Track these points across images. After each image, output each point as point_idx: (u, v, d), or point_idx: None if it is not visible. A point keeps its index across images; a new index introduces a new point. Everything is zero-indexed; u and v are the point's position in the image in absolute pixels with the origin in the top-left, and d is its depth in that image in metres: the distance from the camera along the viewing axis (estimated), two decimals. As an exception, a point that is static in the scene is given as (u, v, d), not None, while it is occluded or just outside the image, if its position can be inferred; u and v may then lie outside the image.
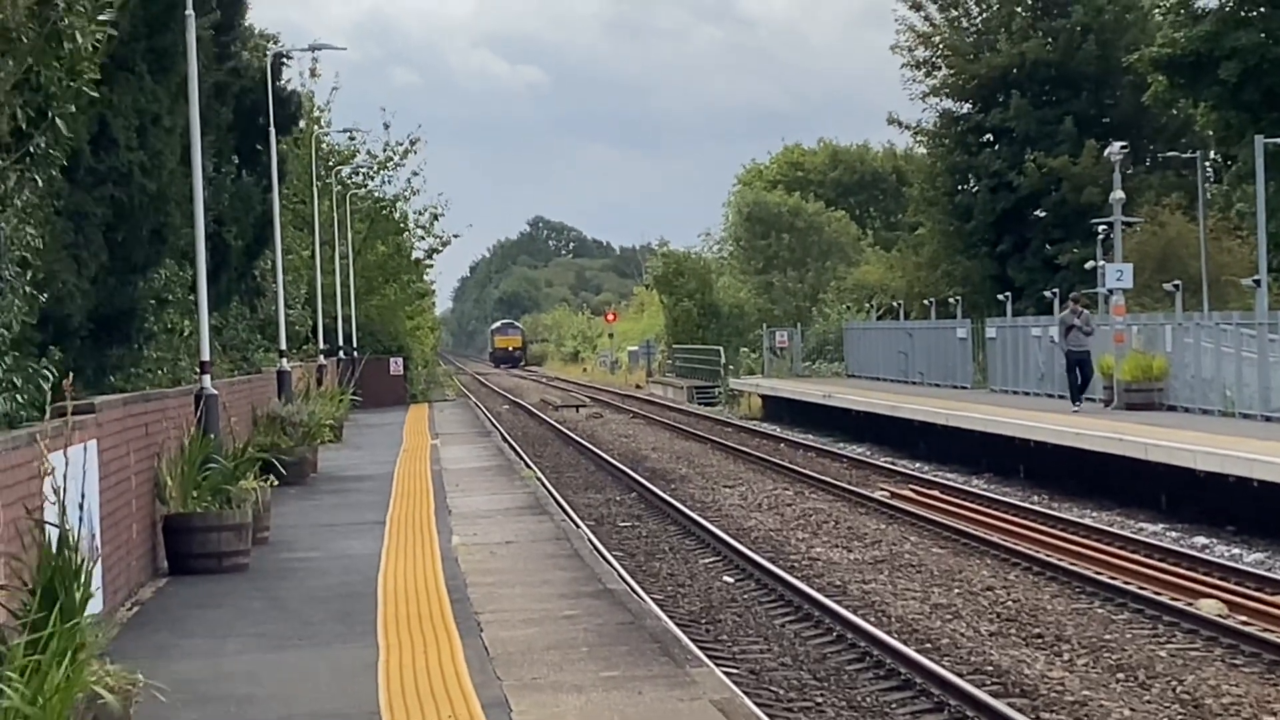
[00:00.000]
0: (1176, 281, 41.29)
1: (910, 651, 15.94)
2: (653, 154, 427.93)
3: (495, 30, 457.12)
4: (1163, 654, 16.35)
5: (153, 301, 24.39)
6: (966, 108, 68.54)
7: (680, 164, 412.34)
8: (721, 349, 75.54)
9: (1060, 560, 22.00)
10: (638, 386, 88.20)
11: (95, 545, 12.54)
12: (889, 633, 17.16)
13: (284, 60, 39.37)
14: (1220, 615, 17.88)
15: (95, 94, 13.76)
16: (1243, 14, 48.02)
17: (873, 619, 18.22)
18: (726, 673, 14.13)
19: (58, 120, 12.89)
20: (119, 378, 22.36)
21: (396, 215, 66.35)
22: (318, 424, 28.56)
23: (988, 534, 24.90)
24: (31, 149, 12.89)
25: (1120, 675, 15.46)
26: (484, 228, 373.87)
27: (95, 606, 11.01)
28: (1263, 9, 47.88)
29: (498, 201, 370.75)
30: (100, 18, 12.79)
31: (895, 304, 65.15)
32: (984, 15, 68.73)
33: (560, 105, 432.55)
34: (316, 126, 57.22)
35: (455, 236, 73.08)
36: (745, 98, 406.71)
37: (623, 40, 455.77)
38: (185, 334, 26.22)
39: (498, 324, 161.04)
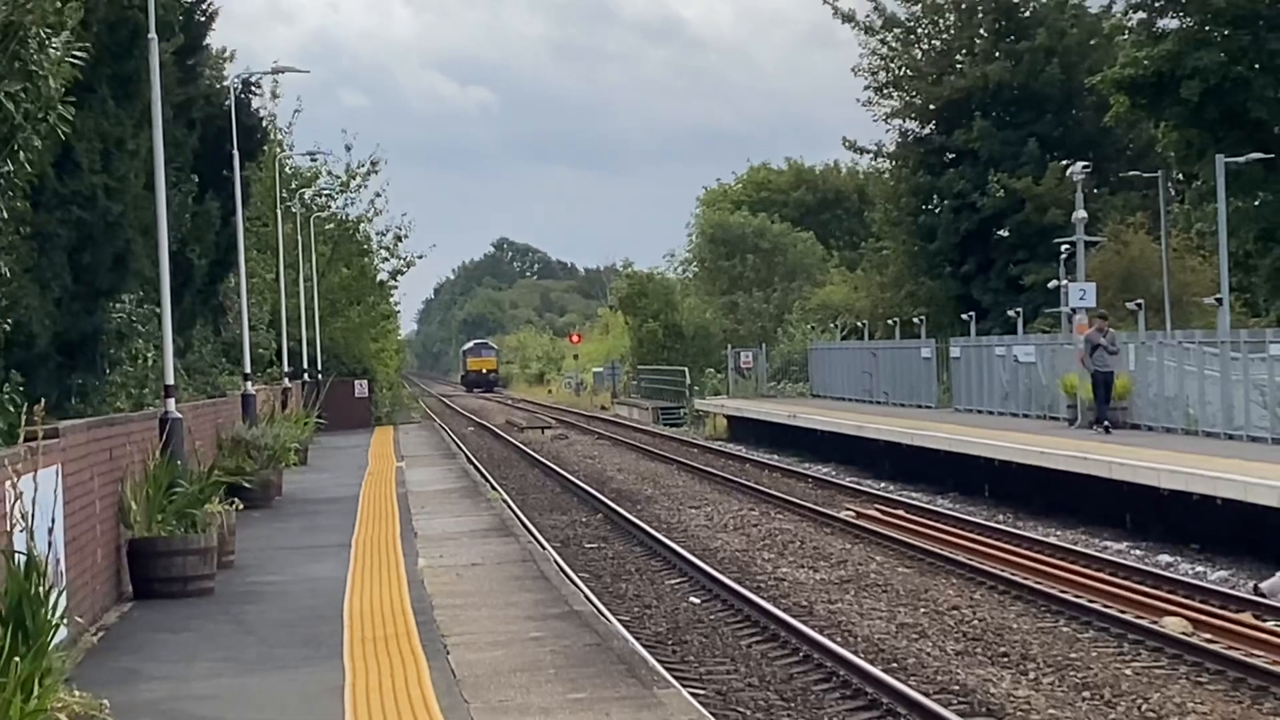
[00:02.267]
0: (1139, 300, 41.45)
1: (877, 671, 15.95)
2: (609, 175, 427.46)
3: (443, 51, 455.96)
4: (1128, 672, 16.39)
5: (117, 324, 24.33)
6: (929, 129, 68.68)
7: (637, 185, 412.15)
8: (686, 370, 75.59)
9: (1025, 579, 22.06)
10: (603, 408, 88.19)
11: (60, 570, 12.48)
12: (855, 652, 17.17)
13: (253, 90, 39.39)
14: (1184, 633, 17.94)
15: (68, 130, 13.65)
16: (1204, 34, 48.25)
17: (839, 639, 18.24)
18: (693, 694, 14.13)
19: (20, 150, 12.82)
20: (80, 403, 22.28)
21: (360, 236, 66.26)
22: (282, 447, 28.50)
23: (953, 553, 24.94)
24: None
25: (1086, 694, 15.51)
26: (448, 250, 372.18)
27: (60, 632, 10.95)
28: (1224, 29, 48.13)
29: (461, 223, 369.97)
30: (70, 56, 12.73)
31: (860, 324, 65.31)
32: (945, 36, 68.93)
33: (513, 126, 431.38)
34: (279, 149, 57.16)
35: (419, 258, 72.45)
36: (697, 119, 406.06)
37: (571, 62, 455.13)
38: (149, 363, 26.16)
39: (470, 344, 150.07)
